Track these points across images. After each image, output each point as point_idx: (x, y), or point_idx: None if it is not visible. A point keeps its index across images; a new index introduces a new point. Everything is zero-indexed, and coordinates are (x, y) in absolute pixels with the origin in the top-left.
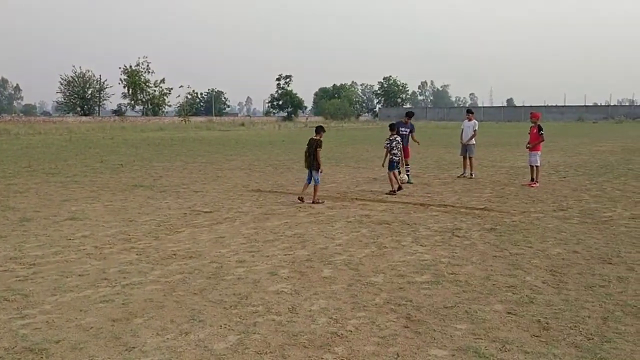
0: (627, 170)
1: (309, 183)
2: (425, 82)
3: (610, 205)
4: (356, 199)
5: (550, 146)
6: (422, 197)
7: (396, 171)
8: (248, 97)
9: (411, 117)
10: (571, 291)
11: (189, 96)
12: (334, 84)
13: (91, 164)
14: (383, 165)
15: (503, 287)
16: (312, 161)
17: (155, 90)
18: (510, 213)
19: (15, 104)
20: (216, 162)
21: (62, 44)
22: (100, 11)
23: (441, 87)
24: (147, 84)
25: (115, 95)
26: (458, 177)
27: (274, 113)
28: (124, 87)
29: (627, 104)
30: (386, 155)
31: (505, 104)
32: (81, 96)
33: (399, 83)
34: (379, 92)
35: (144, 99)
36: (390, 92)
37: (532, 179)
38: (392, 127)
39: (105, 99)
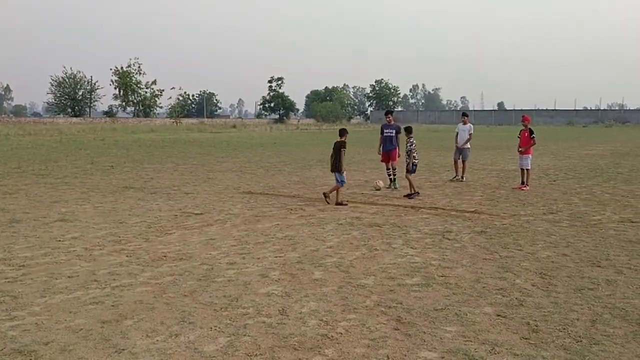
0: (617, 174)
1: (344, 183)
2: (417, 85)
3: (599, 209)
4: (348, 200)
5: (540, 150)
6: (413, 199)
7: (411, 175)
8: (240, 99)
9: (392, 114)
10: (560, 294)
11: (181, 98)
12: (326, 87)
13: (82, 165)
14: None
15: (493, 290)
16: (337, 163)
17: (146, 92)
18: (501, 216)
19: (5, 104)
20: (207, 164)
21: (52, 45)
22: (91, 12)
23: (432, 90)
24: (138, 85)
25: (106, 97)
26: (450, 180)
27: (266, 115)
28: (115, 88)
29: (616, 108)
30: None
31: (496, 107)
32: (72, 97)
33: (390, 86)
34: (370, 95)
35: (135, 101)
36: (382, 95)
37: (523, 182)
38: (409, 130)
39: (96, 100)
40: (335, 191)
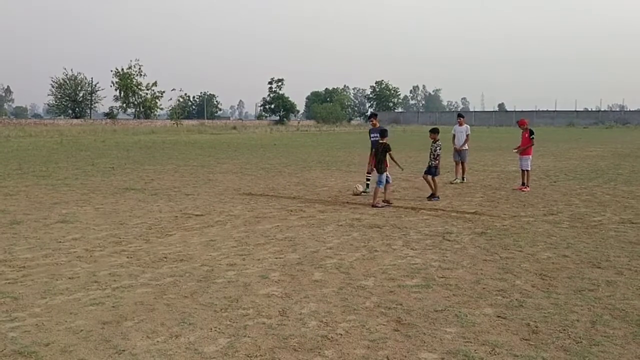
0: (617, 175)
1: (381, 185)
2: (417, 86)
3: (600, 210)
4: (347, 202)
5: (540, 151)
6: (413, 200)
7: (431, 177)
8: (240, 100)
9: (376, 117)
10: (560, 295)
11: (181, 99)
12: (326, 88)
13: (82, 166)
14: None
15: (493, 291)
16: (381, 164)
17: (147, 94)
18: (501, 217)
19: (5, 106)
20: (208, 165)
21: (53, 46)
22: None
23: (433, 91)
24: (139, 87)
25: (107, 98)
26: (450, 182)
27: (266, 117)
28: (116, 90)
29: (617, 109)
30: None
31: (496, 108)
32: (72, 99)
33: (390, 87)
34: (371, 96)
35: (135, 102)
36: (382, 96)
37: (523, 183)
38: (436, 131)
39: (96, 102)
40: (378, 193)
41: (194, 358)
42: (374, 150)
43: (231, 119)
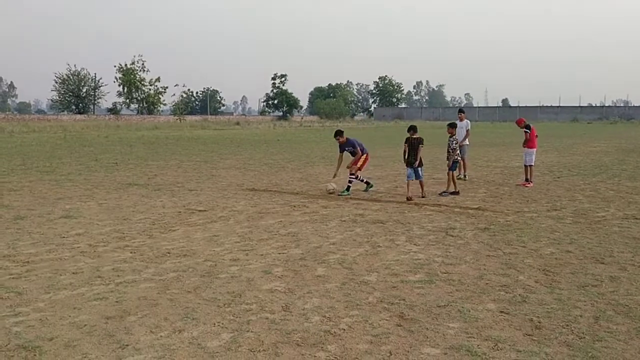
0: (621, 171)
1: (413, 179)
2: (421, 81)
3: (603, 205)
4: (350, 198)
5: (544, 146)
6: (417, 196)
7: (454, 172)
8: (243, 96)
9: (341, 134)
10: (564, 290)
11: (184, 95)
12: (330, 84)
13: (86, 162)
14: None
15: (496, 286)
16: (415, 158)
17: (150, 89)
18: (504, 213)
19: (9, 101)
20: (211, 160)
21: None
22: (95, 9)
23: (436, 87)
24: (142, 82)
25: (110, 94)
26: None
27: (270, 112)
28: (119, 85)
29: (621, 104)
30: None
31: (500, 104)
32: (76, 94)
33: (394, 83)
34: (374, 91)
35: (139, 98)
36: (386, 91)
37: (527, 179)
38: (454, 126)
39: (100, 98)
40: (410, 187)
41: (197, 353)
42: (406, 145)
43: (234, 114)
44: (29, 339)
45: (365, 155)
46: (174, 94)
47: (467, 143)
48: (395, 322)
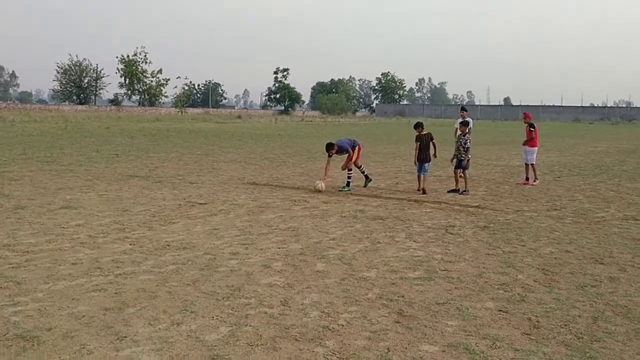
0: (622, 172)
1: (424, 174)
2: (423, 78)
3: (603, 206)
4: (351, 194)
5: (546, 146)
6: (416, 193)
7: (461, 170)
8: (245, 89)
9: (333, 147)
10: (562, 290)
11: (186, 87)
12: (332, 79)
13: (87, 153)
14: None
15: (495, 285)
16: (428, 155)
17: (152, 81)
18: (504, 211)
19: (11, 91)
20: (212, 154)
21: (59, 33)
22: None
23: (439, 84)
24: (144, 74)
25: (111, 85)
26: None
27: (271, 107)
28: (121, 76)
29: (623, 105)
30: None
31: (502, 102)
32: (77, 85)
33: (396, 79)
34: (376, 87)
35: (140, 89)
36: (388, 88)
37: (527, 178)
38: (466, 124)
39: (101, 88)
40: (424, 180)
41: (195, 346)
42: (418, 143)
43: (236, 108)
44: (27, 329)
45: (357, 148)
46: (176, 86)
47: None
48: (394, 319)
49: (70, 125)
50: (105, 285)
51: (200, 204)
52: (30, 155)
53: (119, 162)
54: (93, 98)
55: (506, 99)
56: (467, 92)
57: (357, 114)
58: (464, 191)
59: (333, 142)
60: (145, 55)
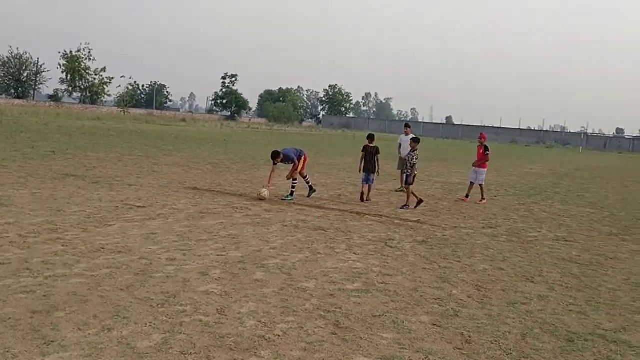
0: (554, 194)
1: (368, 184)
2: (370, 93)
3: (536, 226)
4: (294, 203)
5: None
6: (359, 206)
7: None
8: (192, 93)
9: (278, 156)
10: (494, 307)
11: (130, 87)
12: (280, 87)
13: (21, 149)
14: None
15: (430, 299)
16: (373, 166)
17: (95, 78)
18: (442, 227)
19: None
20: (153, 156)
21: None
22: None
23: (384, 99)
24: (87, 71)
25: (52, 81)
26: (396, 190)
27: (217, 112)
28: (62, 72)
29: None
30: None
31: (444, 121)
32: (16, 78)
33: (343, 92)
34: (324, 99)
35: (82, 87)
36: (335, 100)
37: (467, 195)
38: (417, 141)
39: (41, 83)
40: (365, 190)
41: (125, 353)
42: (363, 153)
43: (181, 111)
44: None
45: (303, 158)
46: (120, 85)
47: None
48: (331, 330)
49: (6, 120)
50: (34, 287)
51: (139, 207)
52: None
53: (55, 159)
54: (32, 93)
55: (448, 118)
56: (412, 109)
57: (304, 123)
58: (405, 205)
59: (279, 150)
60: (89, 52)
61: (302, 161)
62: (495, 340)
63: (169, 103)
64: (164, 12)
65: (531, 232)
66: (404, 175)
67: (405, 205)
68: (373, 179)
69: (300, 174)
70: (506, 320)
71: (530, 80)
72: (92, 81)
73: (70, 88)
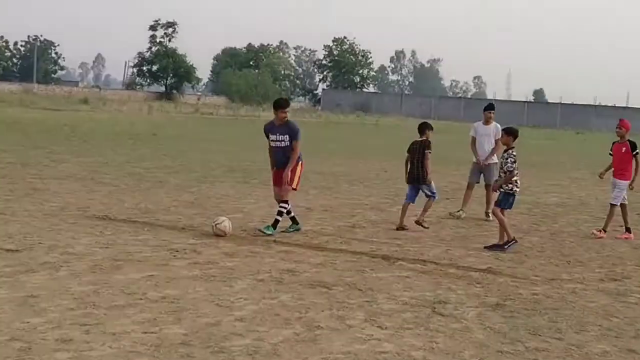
0: None
1: (412, 202)
2: (403, 51)
3: None
4: (275, 241)
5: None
6: (387, 244)
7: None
8: (99, 54)
9: (287, 107)
10: None
11: None
12: (250, 44)
13: None
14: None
15: None
16: (420, 171)
17: None
18: (530, 280)
19: None
20: (33, 163)
21: None
22: None
23: (428, 62)
24: None
25: None
26: (451, 215)
27: (143, 86)
28: None
29: None
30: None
31: (530, 98)
32: None
33: (357, 50)
34: (324, 62)
35: None
36: (344, 64)
37: (628, 228)
38: (511, 132)
39: None
40: (405, 212)
41: None
42: (409, 154)
43: (81, 84)
44: None
45: (301, 165)
46: None
47: (496, 161)
48: None
49: None
50: None
51: (8, 250)
52: None
53: None
54: None
55: (537, 92)
56: (475, 77)
57: (292, 105)
58: (496, 246)
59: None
60: None
61: (300, 168)
62: None
63: (60, 72)
64: None
65: None
66: (493, 192)
67: (496, 246)
68: (429, 192)
69: (295, 188)
70: None
71: None
72: None
73: None
